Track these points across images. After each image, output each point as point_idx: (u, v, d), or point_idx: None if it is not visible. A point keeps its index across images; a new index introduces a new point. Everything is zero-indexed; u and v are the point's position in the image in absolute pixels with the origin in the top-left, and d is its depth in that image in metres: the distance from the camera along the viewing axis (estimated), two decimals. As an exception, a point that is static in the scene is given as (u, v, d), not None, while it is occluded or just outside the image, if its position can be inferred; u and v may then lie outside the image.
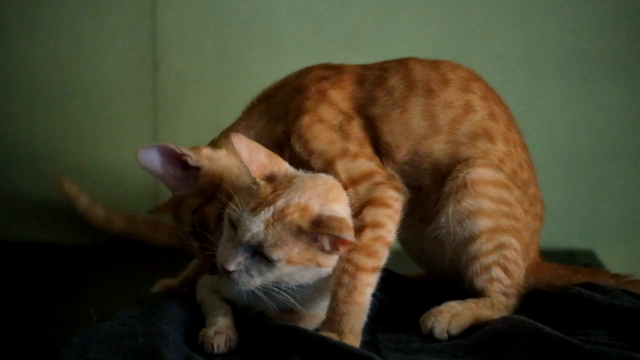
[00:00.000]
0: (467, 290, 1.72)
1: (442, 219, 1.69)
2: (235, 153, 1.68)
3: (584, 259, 2.27)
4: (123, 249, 2.59)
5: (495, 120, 1.76)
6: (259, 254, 1.50)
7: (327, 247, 1.51)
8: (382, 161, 1.72)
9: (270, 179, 1.58)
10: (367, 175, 1.67)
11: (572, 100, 2.53)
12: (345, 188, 1.64)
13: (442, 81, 1.76)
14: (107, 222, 2.55)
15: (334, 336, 1.54)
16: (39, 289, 2.24)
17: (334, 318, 1.57)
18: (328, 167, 1.67)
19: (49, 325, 1.96)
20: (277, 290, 1.53)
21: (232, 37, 2.57)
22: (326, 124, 1.70)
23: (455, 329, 1.63)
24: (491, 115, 1.76)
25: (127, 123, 2.62)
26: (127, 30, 2.58)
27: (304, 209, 1.51)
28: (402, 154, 1.71)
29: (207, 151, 1.73)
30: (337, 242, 1.51)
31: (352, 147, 1.69)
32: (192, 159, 1.69)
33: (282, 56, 2.56)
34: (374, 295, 1.64)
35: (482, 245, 1.68)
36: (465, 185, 1.68)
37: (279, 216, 1.50)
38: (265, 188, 1.55)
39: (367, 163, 1.68)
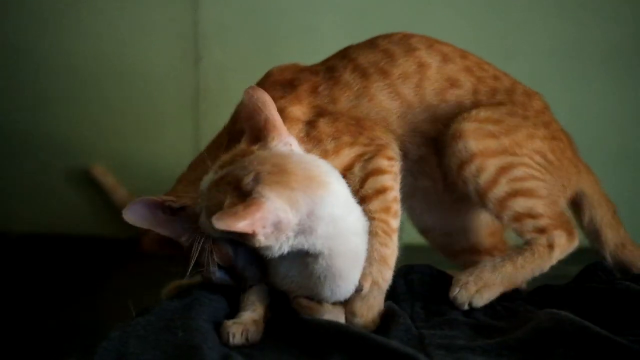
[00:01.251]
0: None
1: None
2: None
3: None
4: None
5: (449, 60, 1.80)
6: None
7: None
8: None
9: (258, 139, 1.59)
10: (356, 159, 1.70)
11: (616, 95, 2.53)
12: (344, 176, 1.65)
13: (387, 57, 1.78)
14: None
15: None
16: (77, 282, 2.26)
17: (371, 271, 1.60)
18: None
19: (86, 319, 1.96)
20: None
21: (272, 29, 2.60)
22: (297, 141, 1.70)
23: (479, 301, 1.67)
24: (444, 59, 1.80)
25: (169, 115, 2.66)
26: (170, 23, 2.62)
27: (237, 180, 1.51)
28: (396, 128, 1.76)
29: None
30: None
31: (329, 145, 1.71)
32: (175, 202, 1.68)
33: (322, 47, 2.45)
34: (416, 291, 1.69)
35: (481, 172, 1.69)
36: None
37: (220, 180, 1.54)
38: (238, 150, 1.59)
39: (350, 150, 1.71)
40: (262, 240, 1.49)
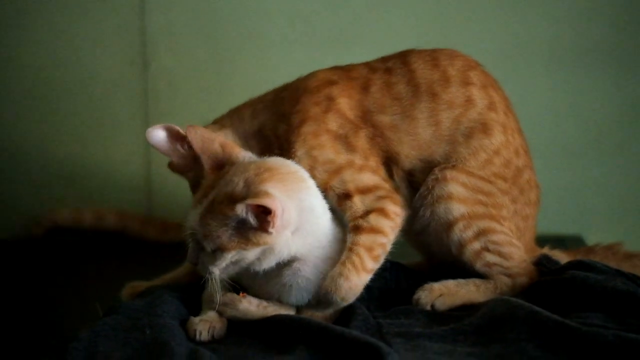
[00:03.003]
0: (469, 273, 1.78)
1: (421, 211, 1.76)
2: (236, 132, 1.79)
3: (573, 244, 2.31)
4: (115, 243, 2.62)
5: (494, 109, 1.81)
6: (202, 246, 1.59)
7: (253, 222, 1.53)
8: (390, 168, 1.77)
9: (222, 167, 1.64)
10: (372, 189, 1.72)
11: (558, 92, 2.60)
12: (352, 195, 1.70)
13: (444, 80, 1.79)
14: (98, 221, 2.61)
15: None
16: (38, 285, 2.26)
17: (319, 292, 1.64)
18: (333, 176, 1.72)
19: (52, 321, 1.97)
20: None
21: (222, 35, 2.62)
22: (332, 134, 1.75)
23: (441, 305, 1.72)
24: (490, 105, 1.80)
25: (119, 121, 2.66)
26: (118, 30, 2.62)
27: (230, 195, 1.56)
28: (410, 163, 1.77)
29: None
30: (261, 214, 1.53)
31: (358, 159, 1.74)
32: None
33: (271, 54, 2.62)
34: (374, 285, 1.71)
35: (462, 232, 1.74)
36: (438, 178, 1.75)
37: (210, 207, 1.57)
38: (208, 181, 1.63)
39: (372, 177, 1.73)
40: (273, 235, 1.54)
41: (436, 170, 1.75)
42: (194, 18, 2.62)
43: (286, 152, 1.75)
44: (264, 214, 1.52)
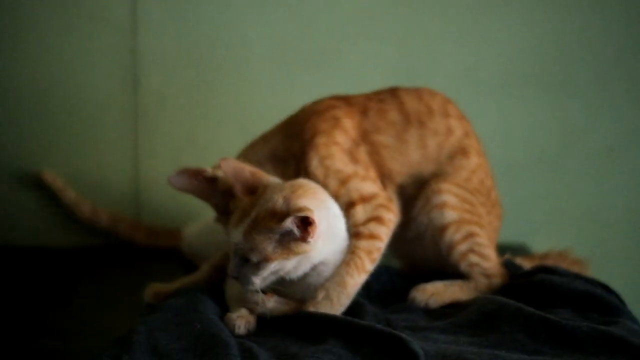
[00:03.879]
0: (451, 274, 2.04)
1: (419, 218, 2.03)
2: (250, 162, 1.97)
3: (517, 251, 2.50)
4: (107, 250, 2.74)
5: (469, 137, 2.10)
6: (248, 259, 1.76)
7: (297, 233, 1.73)
8: (383, 182, 2.02)
9: (254, 191, 1.83)
10: (372, 197, 1.96)
11: (505, 114, 2.81)
12: (355, 204, 1.93)
13: (428, 112, 2.07)
14: (93, 216, 2.71)
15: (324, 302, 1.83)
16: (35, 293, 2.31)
17: (329, 287, 1.86)
18: (341, 185, 1.95)
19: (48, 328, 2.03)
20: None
21: (207, 58, 2.72)
22: (340, 146, 1.99)
23: (433, 303, 1.98)
24: (466, 133, 2.10)
25: (110, 138, 2.74)
26: (109, 51, 2.69)
27: (272, 211, 1.75)
28: (400, 178, 2.04)
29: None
30: (302, 225, 1.73)
31: (361, 170, 1.98)
32: (208, 172, 1.96)
33: (252, 77, 2.75)
34: (373, 286, 1.97)
35: (453, 235, 2.02)
36: (434, 190, 2.03)
37: (253, 224, 1.75)
38: (245, 202, 1.81)
39: (372, 186, 1.98)
40: (311, 243, 1.74)
41: (432, 183, 2.03)
42: (182, 41, 2.70)
43: (302, 163, 1.98)
44: (304, 225, 1.72)
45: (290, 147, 2.02)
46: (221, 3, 2.72)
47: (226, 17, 2.73)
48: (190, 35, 2.73)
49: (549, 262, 2.22)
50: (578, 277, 2.05)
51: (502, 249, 2.25)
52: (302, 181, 1.86)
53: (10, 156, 2.74)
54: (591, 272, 2.27)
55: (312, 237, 1.74)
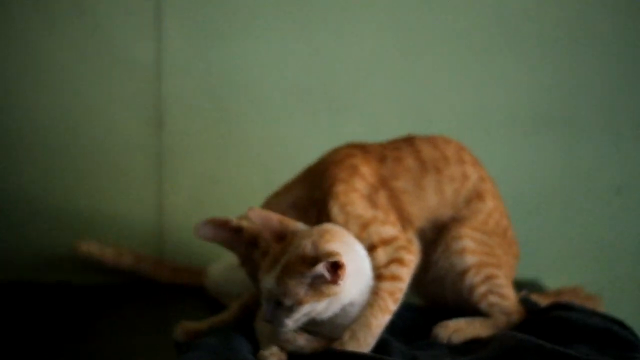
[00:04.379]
0: (470, 312, 2.12)
1: (440, 262, 2.12)
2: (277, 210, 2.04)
3: (531, 287, 2.55)
4: (129, 288, 2.77)
5: (484, 181, 2.19)
6: (280, 302, 1.83)
7: (328, 276, 1.80)
8: (404, 225, 2.09)
9: (283, 238, 1.90)
10: (392, 239, 2.03)
11: (515, 153, 2.88)
12: (376, 247, 2.00)
13: (444, 158, 2.16)
14: (117, 258, 2.75)
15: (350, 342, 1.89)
16: (55, 328, 2.34)
17: (355, 328, 1.92)
18: (362, 229, 2.02)
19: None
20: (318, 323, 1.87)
21: (229, 100, 2.79)
22: (359, 193, 2.06)
23: (456, 339, 2.05)
24: (481, 178, 2.19)
25: (135, 176, 2.80)
26: (135, 92, 2.76)
27: (302, 256, 1.82)
28: (419, 222, 2.12)
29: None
30: (332, 269, 1.80)
31: (380, 214, 2.05)
32: (233, 223, 2.03)
33: (273, 117, 2.82)
34: (397, 324, 2.02)
35: (473, 278, 2.11)
36: (454, 236, 2.11)
37: (285, 269, 1.82)
38: (275, 249, 1.88)
39: (391, 229, 2.05)
40: (341, 285, 1.81)
41: (451, 228, 2.11)
42: (205, 84, 2.78)
43: (323, 210, 2.05)
44: (334, 269, 1.80)
45: (312, 195, 2.09)
46: (242, 47, 2.79)
47: (247, 60, 2.80)
48: (212, 78, 2.80)
49: (564, 299, 2.31)
50: (594, 313, 2.11)
51: (516, 285, 2.30)
52: (329, 226, 1.93)
53: (34, 195, 2.81)
54: (604, 308, 2.35)
55: (341, 280, 1.81)
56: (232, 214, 2.08)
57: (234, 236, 2.04)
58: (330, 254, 1.79)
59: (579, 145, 2.90)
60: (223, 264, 2.60)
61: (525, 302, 2.23)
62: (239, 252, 2.07)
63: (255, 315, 2.08)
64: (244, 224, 2.03)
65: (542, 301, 2.31)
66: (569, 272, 2.88)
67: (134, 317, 2.49)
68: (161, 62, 2.77)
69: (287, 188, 2.15)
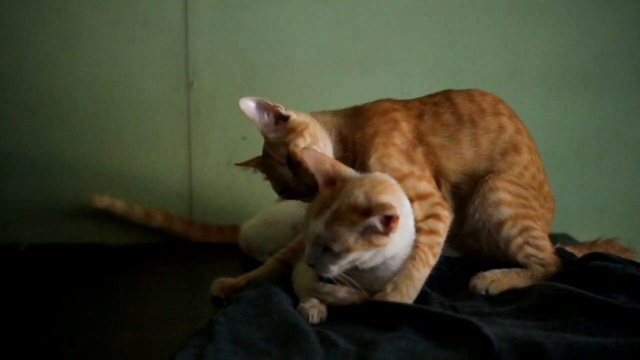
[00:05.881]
0: (508, 264, 2.12)
1: (477, 215, 2.11)
2: (314, 118, 2.10)
3: (561, 240, 2.58)
4: (161, 247, 2.82)
5: (521, 134, 2.18)
6: (328, 248, 1.83)
7: (380, 228, 1.81)
8: (439, 181, 2.10)
9: (333, 183, 1.89)
10: (428, 195, 2.05)
11: (547, 110, 2.90)
12: (413, 201, 2.00)
13: (480, 111, 2.16)
14: (147, 217, 2.79)
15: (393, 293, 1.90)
16: (89, 289, 2.36)
17: (397, 280, 1.93)
18: (398, 183, 2.00)
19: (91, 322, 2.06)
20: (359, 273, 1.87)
21: (257, 60, 2.81)
22: (397, 147, 2.08)
23: (493, 290, 2.06)
24: (517, 130, 2.18)
25: (164, 135, 2.83)
26: (163, 54, 2.79)
27: (353, 205, 1.82)
28: (455, 177, 2.12)
29: (292, 110, 2.09)
30: (386, 221, 1.82)
31: (417, 170, 2.07)
32: (283, 109, 2.07)
33: (301, 76, 2.83)
34: (435, 276, 2.03)
35: (510, 229, 2.10)
36: (491, 188, 2.10)
37: (335, 216, 1.82)
38: (325, 194, 1.87)
39: (427, 185, 2.06)
40: (390, 237, 1.82)
41: (487, 180, 2.10)
42: (232, 44, 2.80)
43: (360, 155, 2.07)
44: (387, 221, 1.80)
45: (354, 133, 2.11)
46: (269, 7, 2.80)
47: (274, 20, 2.81)
48: (239, 38, 2.82)
49: (598, 250, 2.30)
50: (632, 263, 2.13)
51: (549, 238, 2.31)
52: (381, 176, 1.93)
53: (67, 156, 2.84)
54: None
55: (393, 232, 1.82)
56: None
57: (272, 123, 2.08)
58: (384, 206, 1.80)
59: (609, 100, 2.92)
60: (256, 222, 2.62)
61: (561, 253, 2.23)
62: (270, 135, 2.08)
63: (292, 270, 2.09)
64: (292, 113, 2.07)
65: (578, 253, 2.31)
66: (600, 227, 2.86)
67: (168, 275, 2.51)
68: (187, 22, 2.78)
69: (336, 113, 2.16)
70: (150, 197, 2.83)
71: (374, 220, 1.80)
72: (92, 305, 2.19)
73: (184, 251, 2.78)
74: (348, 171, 1.93)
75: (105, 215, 2.80)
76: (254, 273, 2.17)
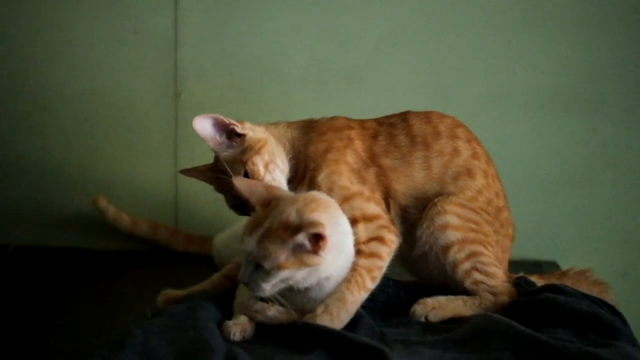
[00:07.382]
0: (459, 292, 2.05)
1: (424, 238, 2.05)
2: (268, 132, 2.08)
3: (548, 268, 2.57)
4: (145, 254, 2.84)
5: (477, 158, 2.11)
6: (260, 266, 1.81)
7: (308, 246, 1.78)
8: (388, 203, 2.06)
9: (268, 204, 1.88)
10: (375, 217, 2.00)
11: (536, 133, 2.80)
12: (358, 222, 1.97)
13: (435, 133, 2.11)
14: (133, 226, 2.82)
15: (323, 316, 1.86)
16: (71, 292, 2.41)
17: (329, 302, 1.89)
18: (345, 201, 1.99)
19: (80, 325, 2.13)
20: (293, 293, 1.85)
21: (244, 71, 2.82)
22: (349, 165, 2.05)
23: (433, 317, 1.99)
24: (474, 155, 2.11)
25: (151, 145, 2.86)
26: (153, 63, 2.82)
27: (285, 222, 1.80)
28: (405, 199, 2.07)
29: (249, 124, 2.08)
30: (314, 239, 1.78)
31: (366, 191, 2.03)
32: (239, 127, 2.05)
33: (288, 88, 2.83)
34: (378, 299, 2.00)
35: (456, 254, 2.03)
36: (438, 211, 2.04)
37: (267, 233, 1.80)
38: (259, 213, 1.86)
39: (375, 207, 2.02)
40: (322, 255, 1.79)
41: (437, 202, 2.04)
42: (221, 54, 2.81)
43: (310, 170, 2.05)
44: (316, 239, 1.78)
45: (306, 146, 2.09)
46: (259, 19, 2.80)
47: (263, 33, 2.81)
48: (228, 49, 2.83)
49: (567, 281, 2.22)
50: (585, 297, 2.04)
51: (533, 266, 2.27)
52: (316, 194, 1.91)
53: (56, 160, 2.89)
54: (611, 295, 2.24)
55: (322, 251, 1.79)
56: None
57: (226, 141, 2.06)
58: (313, 224, 1.78)
59: (602, 125, 2.82)
60: (227, 234, 2.63)
61: (522, 283, 2.15)
62: (224, 154, 2.07)
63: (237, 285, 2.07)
64: (249, 131, 2.05)
65: (546, 282, 2.21)
66: (590, 255, 2.78)
67: (152, 282, 2.46)
68: (178, 31, 2.80)
69: (289, 125, 2.15)
70: (136, 204, 2.86)
71: (301, 237, 1.78)
72: (75, 307, 2.25)
73: (168, 259, 2.79)
74: (283, 191, 1.92)
75: (92, 221, 2.85)
76: (198, 287, 2.15)
